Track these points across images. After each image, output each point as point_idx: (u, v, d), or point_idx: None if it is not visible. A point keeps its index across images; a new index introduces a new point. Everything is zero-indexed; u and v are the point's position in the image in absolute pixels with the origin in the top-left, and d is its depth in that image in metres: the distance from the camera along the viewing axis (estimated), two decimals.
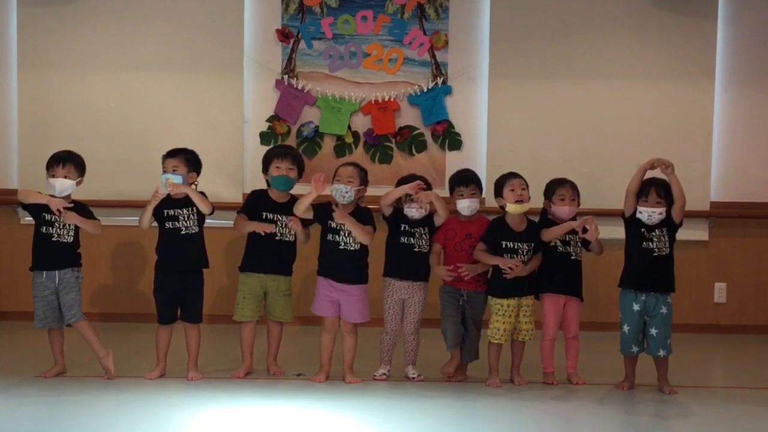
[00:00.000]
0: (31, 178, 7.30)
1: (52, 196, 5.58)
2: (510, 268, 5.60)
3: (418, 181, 5.69)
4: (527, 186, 5.71)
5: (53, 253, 5.61)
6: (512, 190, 5.66)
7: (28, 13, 7.40)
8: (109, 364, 5.63)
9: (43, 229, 5.60)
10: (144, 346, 6.17)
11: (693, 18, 7.47)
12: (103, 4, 7.45)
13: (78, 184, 5.67)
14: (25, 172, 7.40)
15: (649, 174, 5.62)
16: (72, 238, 5.65)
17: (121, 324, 7.18)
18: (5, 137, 7.51)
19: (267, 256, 5.80)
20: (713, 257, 7.60)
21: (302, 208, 5.68)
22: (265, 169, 5.89)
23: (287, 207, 5.81)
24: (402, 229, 5.74)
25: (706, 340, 7.31)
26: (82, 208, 5.71)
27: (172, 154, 5.75)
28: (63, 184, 5.59)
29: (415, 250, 5.75)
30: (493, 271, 5.73)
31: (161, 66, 7.47)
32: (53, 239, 5.61)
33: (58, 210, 5.52)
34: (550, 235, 5.68)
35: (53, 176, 5.60)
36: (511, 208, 5.67)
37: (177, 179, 5.67)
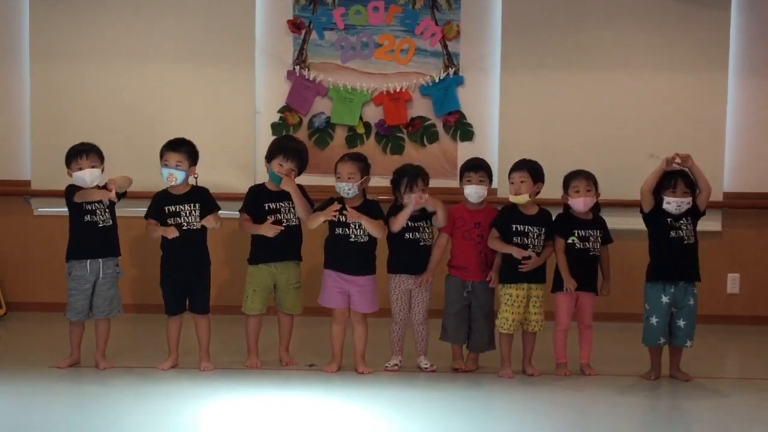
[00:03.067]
0: (44, 168, 7.35)
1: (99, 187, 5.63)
2: (525, 259, 5.60)
3: (419, 193, 5.67)
4: (530, 176, 5.67)
5: (101, 240, 5.64)
6: (512, 183, 5.70)
7: (41, 3, 7.41)
8: (103, 364, 5.66)
9: (87, 218, 5.61)
10: (155, 336, 6.19)
11: (706, 8, 7.43)
12: None
13: (102, 171, 5.70)
14: (38, 163, 7.43)
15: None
16: (111, 222, 5.68)
17: (132, 315, 7.18)
18: (18, 128, 7.52)
19: (275, 244, 5.80)
20: (726, 248, 7.57)
21: (316, 225, 5.73)
22: (269, 159, 5.89)
23: (286, 193, 5.80)
24: (406, 225, 5.74)
25: (720, 331, 7.29)
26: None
27: (175, 147, 5.70)
28: (93, 174, 5.61)
29: (421, 244, 5.76)
30: (502, 258, 5.73)
31: (173, 57, 7.48)
32: (99, 226, 5.63)
33: (110, 199, 5.60)
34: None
35: (80, 169, 5.60)
36: (511, 198, 5.72)
37: (180, 175, 5.66)
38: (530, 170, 5.70)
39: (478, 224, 5.76)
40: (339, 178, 5.71)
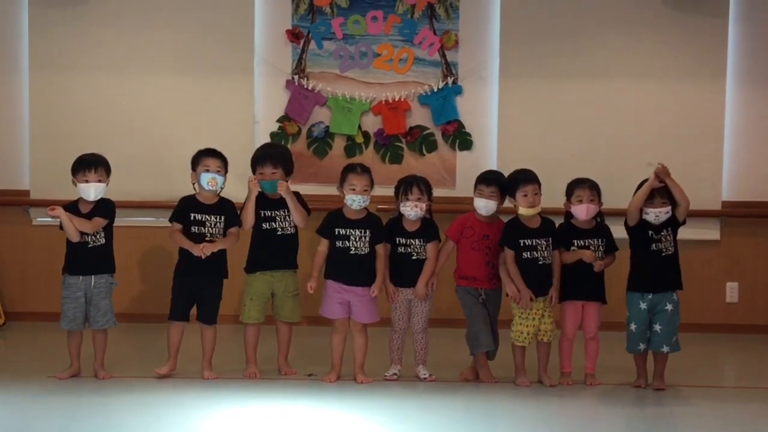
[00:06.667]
0: (43, 178, 7.36)
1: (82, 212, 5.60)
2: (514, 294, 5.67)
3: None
4: (540, 189, 5.72)
5: (90, 258, 5.63)
6: (525, 195, 5.69)
7: (40, 13, 7.41)
8: (102, 374, 5.65)
9: (80, 238, 5.61)
10: (155, 346, 6.18)
11: (704, 17, 7.44)
12: (114, 5, 7.45)
13: (107, 185, 5.69)
14: (36, 173, 7.42)
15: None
16: (105, 240, 5.67)
17: (133, 324, 7.16)
18: (17, 138, 7.51)
19: (271, 253, 5.83)
20: (725, 257, 7.56)
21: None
22: (254, 170, 5.92)
23: (282, 201, 5.82)
24: (397, 241, 5.77)
25: (718, 340, 7.29)
26: (104, 205, 5.69)
27: (214, 153, 5.78)
28: (98, 189, 5.61)
29: (413, 258, 5.77)
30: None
31: (172, 66, 7.48)
32: (89, 246, 5.63)
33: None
34: (564, 259, 5.74)
35: (86, 181, 5.60)
36: (523, 211, 5.71)
37: (220, 180, 5.73)
38: (539, 182, 5.73)
39: (486, 236, 5.78)
40: (353, 190, 5.70)
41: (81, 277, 5.63)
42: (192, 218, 5.71)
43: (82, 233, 5.59)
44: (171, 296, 5.77)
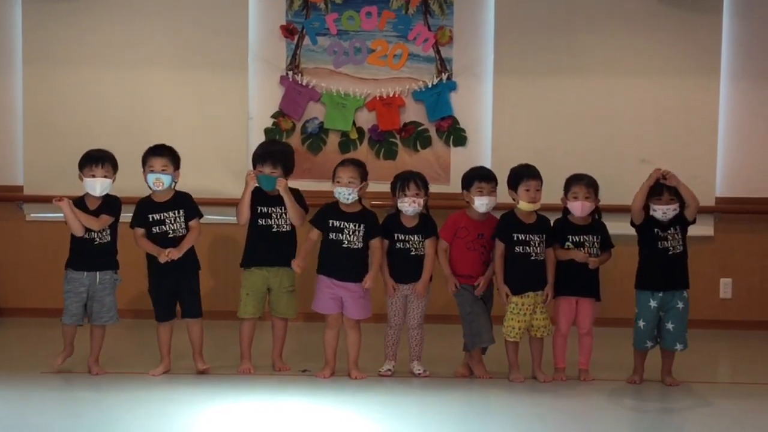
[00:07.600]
0: (37, 174, 7.35)
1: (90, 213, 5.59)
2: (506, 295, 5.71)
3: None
4: (541, 186, 5.72)
5: (95, 255, 5.63)
6: (527, 190, 5.69)
7: (34, 8, 7.40)
8: (96, 370, 5.65)
9: (85, 235, 5.60)
10: (149, 342, 6.17)
11: (698, 13, 7.45)
12: (108, 0, 7.44)
13: (113, 181, 5.69)
14: (30, 169, 7.41)
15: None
16: (110, 237, 5.67)
17: (126, 320, 7.15)
18: (10, 133, 7.50)
19: (268, 249, 5.81)
20: (719, 253, 7.58)
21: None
22: (254, 165, 5.91)
23: (279, 199, 5.80)
24: (396, 237, 5.78)
25: (712, 336, 7.30)
26: (111, 202, 5.68)
27: (158, 152, 5.71)
28: (104, 184, 5.61)
29: (412, 254, 5.77)
30: (506, 268, 5.72)
31: (166, 62, 7.47)
32: (95, 243, 5.62)
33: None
34: (558, 256, 5.76)
35: (93, 176, 5.59)
36: (523, 205, 5.71)
37: (166, 179, 5.66)
38: (541, 179, 5.73)
39: (481, 235, 5.78)
40: (338, 182, 5.70)
41: (85, 273, 5.62)
42: (151, 219, 5.68)
43: (87, 229, 5.58)
44: (150, 296, 5.76)
